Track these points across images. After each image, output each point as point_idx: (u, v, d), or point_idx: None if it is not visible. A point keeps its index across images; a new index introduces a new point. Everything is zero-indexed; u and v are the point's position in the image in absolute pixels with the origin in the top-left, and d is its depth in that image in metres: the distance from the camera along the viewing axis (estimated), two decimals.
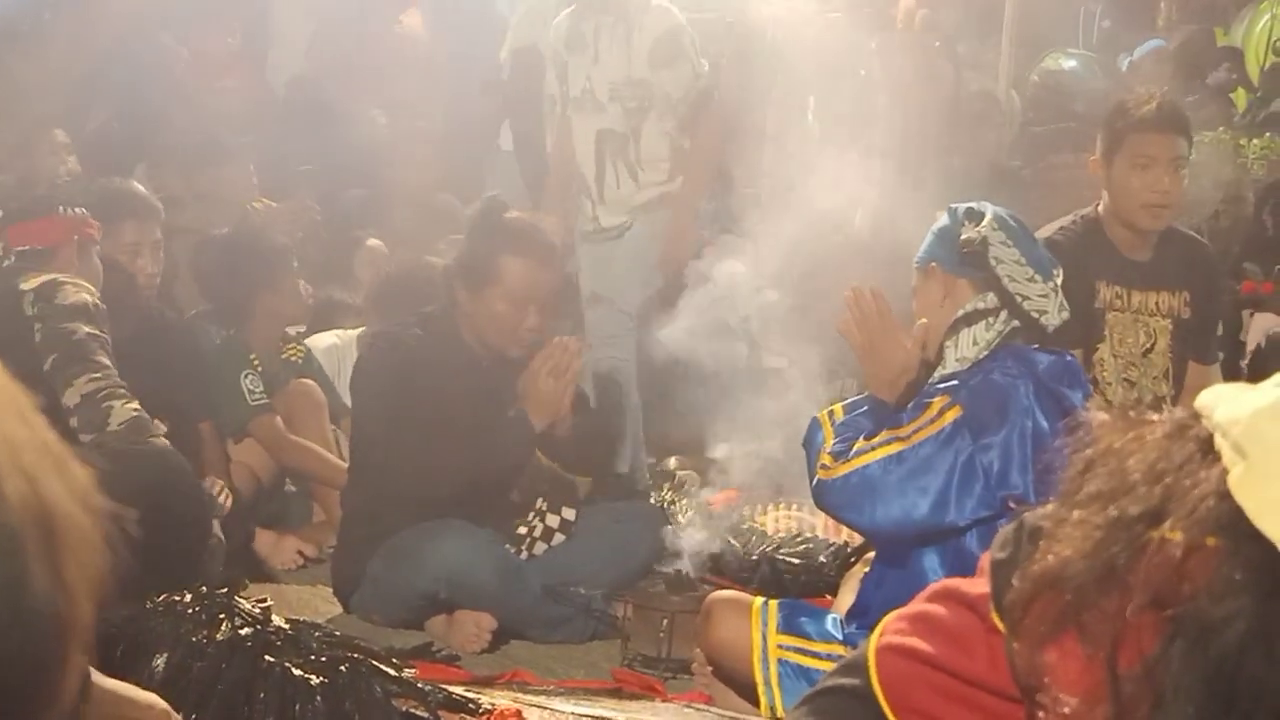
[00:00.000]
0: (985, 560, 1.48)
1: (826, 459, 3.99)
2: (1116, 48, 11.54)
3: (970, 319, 3.97)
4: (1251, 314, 7.52)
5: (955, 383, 3.91)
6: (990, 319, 3.96)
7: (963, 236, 3.98)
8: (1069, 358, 4.01)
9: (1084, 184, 6.79)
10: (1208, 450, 1.19)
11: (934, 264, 4.04)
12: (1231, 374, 6.55)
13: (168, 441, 4.79)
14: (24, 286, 4.94)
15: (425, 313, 5.29)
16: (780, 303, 7.59)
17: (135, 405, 4.73)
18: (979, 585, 1.47)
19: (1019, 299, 3.94)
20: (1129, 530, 1.19)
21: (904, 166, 7.20)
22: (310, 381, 6.19)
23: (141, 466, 4.52)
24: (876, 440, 3.93)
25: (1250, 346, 7.25)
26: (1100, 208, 5.38)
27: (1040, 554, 1.27)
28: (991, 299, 3.95)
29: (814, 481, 4.04)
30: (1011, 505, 3.72)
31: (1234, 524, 1.13)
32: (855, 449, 3.94)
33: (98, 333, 4.87)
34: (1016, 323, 3.95)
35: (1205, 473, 1.17)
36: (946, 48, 8.27)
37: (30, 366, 4.75)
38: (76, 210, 5.29)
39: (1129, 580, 1.18)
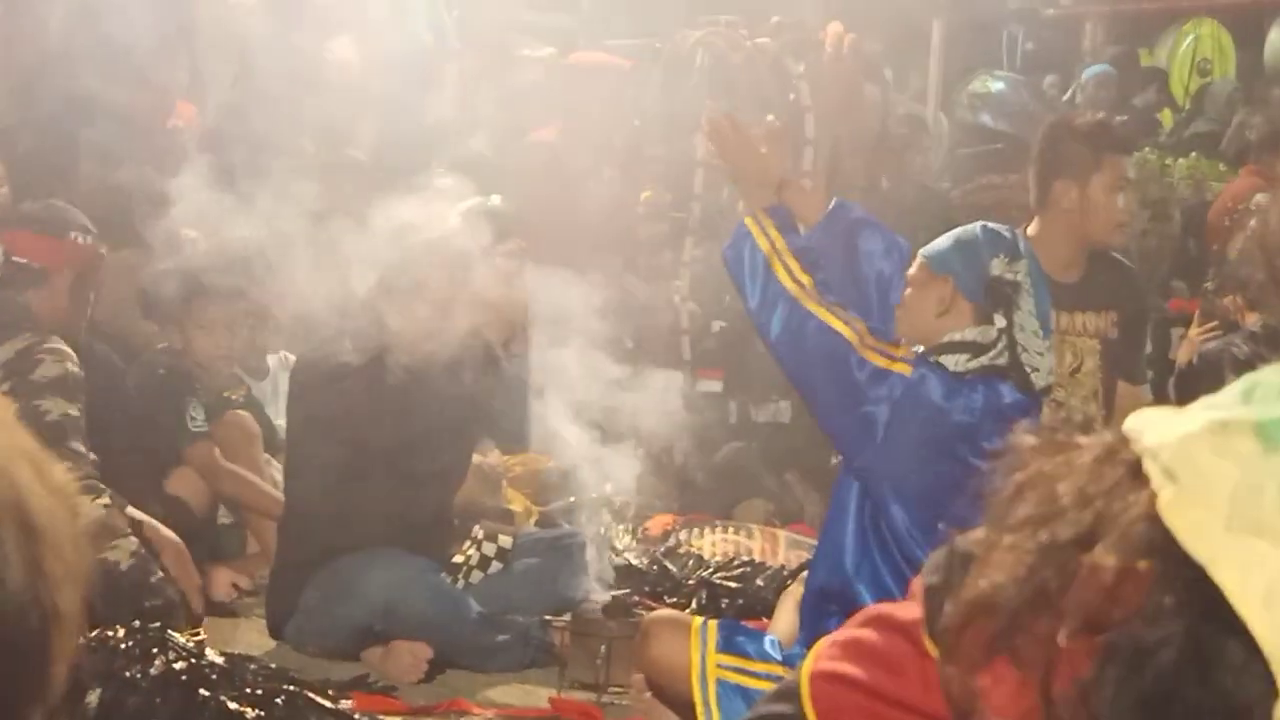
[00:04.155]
0: (916, 585, 1.48)
1: (804, 279, 3.98)
2: (1042, 70, 11.65)
3: (964, 347, 3.91)
4: (1183, 335, 7.59)
5: (924, 356, 3.90)
6: (986, 355, 3.90)
7: (995, 273, 3.92)
8: (1030, 400, 3.94)
9: (1012, 205, 6.85)
10: (1137, 474, 1.20)
11: (948, 276, 3.95)
12: (1161, 393, 6.61)
13: (131, 541, 4.62)
14: None
15: (355, 336, 5.25)
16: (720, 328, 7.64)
17: (104, 502, 4.58)
18: (911, 610, 1.48)
19: (1020, 349, 3.90)
20: (1061, 554, 1.20)
21: (832, 191, 7.24)
22: (244, 412, 6.16)
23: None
24: (844, 314, 3.93)
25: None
26: (1030, 229, 5.40)
27: (972, 579, 1.27)
28: (989, 334, 3.90)
29: (769, 293, 3.99)
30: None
31: (1165, 547, 1.14)
32: (828, 300, 3.95)
33: (72, 411, 4.67)
34: (1002, 363, 3.90)
35: (1135, 496, 1.18)
36: (874, 71, 8.32)
37: None
38: (89, 239, 5.14)
39: (1061, 605, 1.18)
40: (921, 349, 3.96)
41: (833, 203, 4.38)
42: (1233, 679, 1.10)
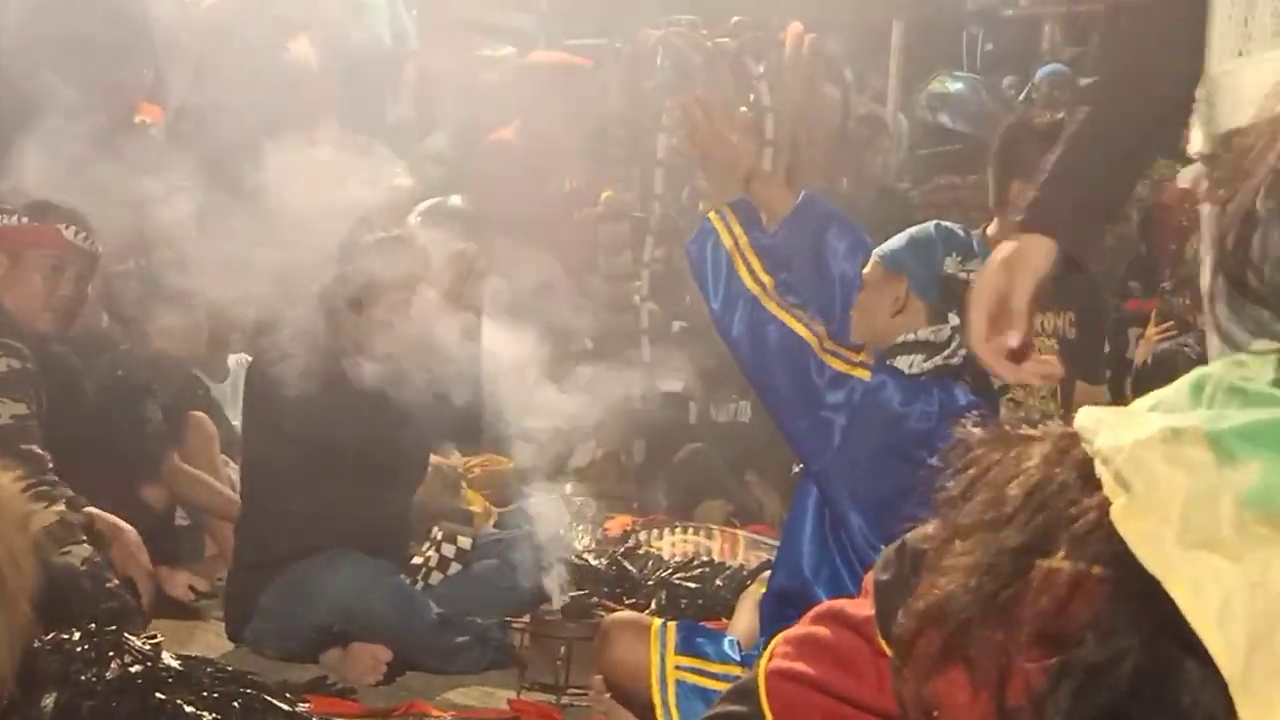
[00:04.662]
0: (869, 581, 1.48)
1: (766, 279, 3.94)
2: (1002, 71, 11.67)
3: (918, 347, 3.88)
4: (1140, 335, 7.61)
5: (883, 363, 3.86)
6: (940, 355, 3.87)
7: (948, 271, 3.89)
8: (986, 401, 3.93)
9: (970, 205, 6.86)
10: (1088, 476, 1.19)
11: (902, 275, 3.92)
12: (1119, 393, 6.63)
13: (85, 548, 4.55)
14: None
15: (307, 337, 5.23)
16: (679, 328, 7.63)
17: (57, 509, 4.51)
18: (864, 607, 1.47)
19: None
20: (1013, 562, 1.19)
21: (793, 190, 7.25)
22: (201, 414, 6.13)
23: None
24: (804, 317, 3.89)
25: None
26: (990, 229, 5.40)
27: (925, 587, 1.27)
28: (943, 334, 3.87)
29: (731, 289, 3.95)
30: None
31: (1118, 556, 1.13)
32: (789, 302, 3.91)
33: (21, 410, 4.61)
34: (955, 362, 3.86)
35: (1087, 500, 1.17)
36: (834, 71, 8.33)
37: None
38: (13, 220, 5.06)
39: (1014, 613, 1.17)
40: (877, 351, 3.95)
41: (801, 196, 4.35)
42: (1189, 697, 1.09)
